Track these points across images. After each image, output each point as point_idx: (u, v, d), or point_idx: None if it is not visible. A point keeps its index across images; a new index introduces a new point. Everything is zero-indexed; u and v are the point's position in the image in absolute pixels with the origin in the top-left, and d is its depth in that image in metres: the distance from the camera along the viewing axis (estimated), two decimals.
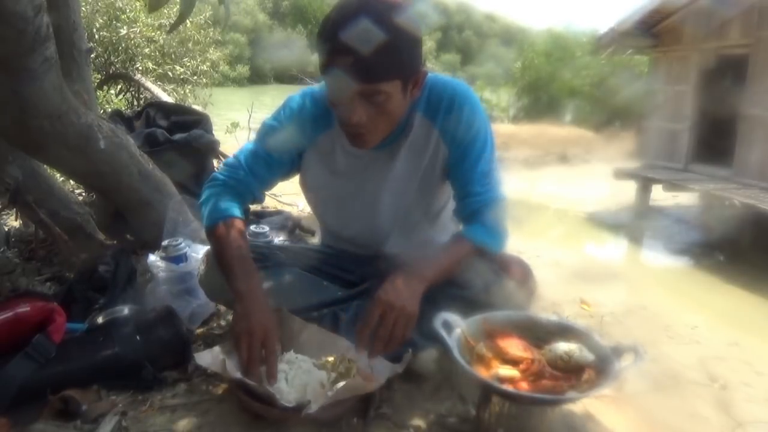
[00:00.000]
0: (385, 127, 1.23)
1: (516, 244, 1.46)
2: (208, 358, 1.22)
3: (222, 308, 1.70)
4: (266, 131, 1.38)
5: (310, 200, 1.51)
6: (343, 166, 1.38)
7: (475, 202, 1.29)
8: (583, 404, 1.30)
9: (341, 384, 1.10)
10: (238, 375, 1.14)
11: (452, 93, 1.29)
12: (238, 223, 1.30)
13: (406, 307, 1.16)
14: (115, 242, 2.27)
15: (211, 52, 8.54)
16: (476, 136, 1.28)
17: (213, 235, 1.30)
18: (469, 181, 1.29)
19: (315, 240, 2.61)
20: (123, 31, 6.84)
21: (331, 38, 1.11)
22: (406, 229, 1.40)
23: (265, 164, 1.36)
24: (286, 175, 1.43)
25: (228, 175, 1.36)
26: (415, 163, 1.33)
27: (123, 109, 4.72)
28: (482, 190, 1.29)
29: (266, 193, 1.47)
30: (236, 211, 1.32)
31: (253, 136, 1.46)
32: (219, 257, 1.29)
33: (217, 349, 1.24)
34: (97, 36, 6.62)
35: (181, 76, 7.70)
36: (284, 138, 1.35)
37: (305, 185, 1.46)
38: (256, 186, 1.37)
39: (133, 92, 6.56)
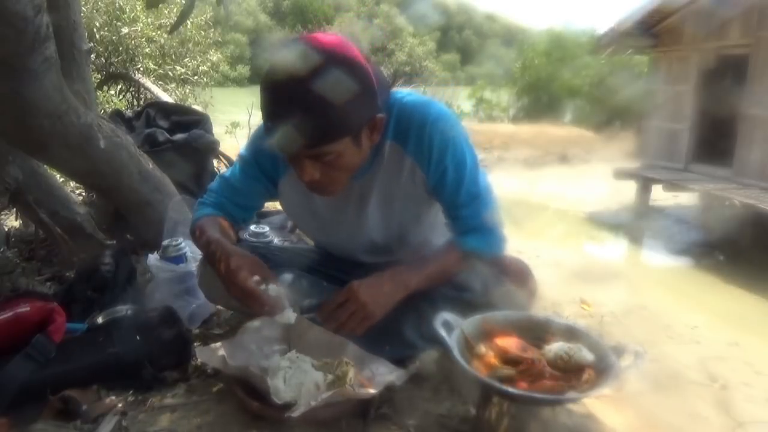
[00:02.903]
0: (343, 177, 1.19)
1: (516, 244, 1.46)
2: (208, 353, 1.23)
3: (222, 309, 1.70)
4: (239, 162, 1.39)
5: (292, 221, 1.53)
6: (319, 197, 1.33)
7: (467, 224, 1.28)
8: (583, 404, 1.30)
9: (327, 393, 1.10)
10: (237, 364, 1.15)
11: (421, 120, 1.22)
12: (215, 217, 1.34)
13: (368, 306, 1.17)
14: (115, 242, 2.27)
15: (211, 53, 8.56)
16: (452, 162, 1.23)
17: (194, 234, 1.33)
18: (456, 206, 1.27)
19: None
20: (123, 31, 6.85)
21: (265, 106, 1.08)
22: (395, 245, 1.37)
23: (241, 194, 1.39)
24: (266, 200, 1.45)
25: (209, 200, 1.40)
26: (392, 189, 1.30)
27: (123, 109, 4.71)
28: (471, 213, 1.26)
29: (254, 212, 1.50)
30: (215, 213, 1.36)
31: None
32: (199, 242, 1.31)
33: (217, 345, 1.25)
34: (97, 36, 6.62)
35: (182, 77, 7.71)
36: (255, 170, 1.35)
37: (285, 210, 1.48)
38: (236, 212, 1.40)
39: (133, 92, 6.56)
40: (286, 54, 1.06)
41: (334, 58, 1.04)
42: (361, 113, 1.10)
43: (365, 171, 1.26)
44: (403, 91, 1.29)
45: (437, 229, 1.40)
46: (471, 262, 1.26)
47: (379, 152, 1.25)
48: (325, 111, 1.03)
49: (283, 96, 1.05)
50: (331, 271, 1.49)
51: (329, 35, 1.10)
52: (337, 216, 1.36)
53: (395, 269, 1.23)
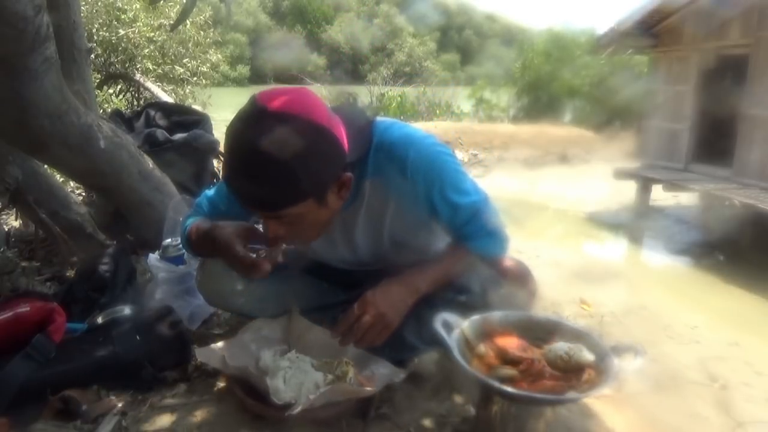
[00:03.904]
0: (312, 232, 1.18)
1: (516, 244, 1.46)
2: (208, 353, 1.23)
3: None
4: (224, 187, 1.36)
5: None
6: None
7: (470, 237, 1.27)
8: (583, 404, 1.30)
9: (326, 388, 1.10)
10: (237, 364, 1.15)
11: (401, 160, 1.18)
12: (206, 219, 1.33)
13: (386, 315, 1.16)
14: (115, 242, 2.27)
15: (211, 53, 8.56)
16: (440, 196, 1.21)
17: (189, 238, 1.32)
18: (456, 227, 1.27)
19: None
20: (123, 31, 6.85)
21: (224, 167, 1.07)
22: (391, 256, 1.36)
23: (228, 218, 1.35)
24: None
25: (198, 214, 1.39)
26: (378, 217, 1.29)
27: (123, 109, 4.72)
28: (474, 228, 1.25)
29: None
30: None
31: None
32: (196, 239, 1.30)
33: (217, 345, 1.25)
34: (96, 36, 6.63)
35: (181, 77, 7.71)
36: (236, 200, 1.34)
37: None
38: None
39: (133, 92, 6.56)
40: (242, 120, 1.03)
41: (290, 128, 1.01)
42: (322, 177, 1.07)
43: (346, 207, 1.23)
44: (384, 122, 1.24)
45: (437, 233, 1.40)
46: (475, 263, 1.26)
47: (360, 191, 1.24)
48: (279, 180, 1.01)
49: (236, 163, 1.04)
50: (332, 272, 1.48)
51: (291, 96, 1.05)
52: (325, 242, 1.34)
53: (405, 274, 1.22)
